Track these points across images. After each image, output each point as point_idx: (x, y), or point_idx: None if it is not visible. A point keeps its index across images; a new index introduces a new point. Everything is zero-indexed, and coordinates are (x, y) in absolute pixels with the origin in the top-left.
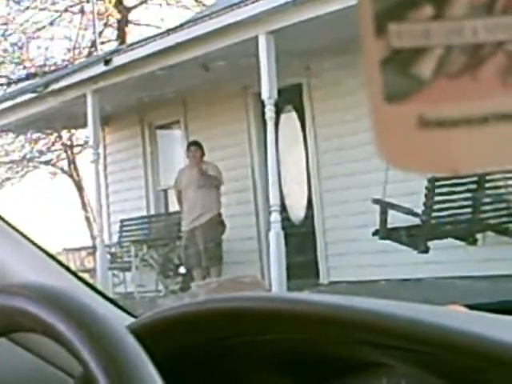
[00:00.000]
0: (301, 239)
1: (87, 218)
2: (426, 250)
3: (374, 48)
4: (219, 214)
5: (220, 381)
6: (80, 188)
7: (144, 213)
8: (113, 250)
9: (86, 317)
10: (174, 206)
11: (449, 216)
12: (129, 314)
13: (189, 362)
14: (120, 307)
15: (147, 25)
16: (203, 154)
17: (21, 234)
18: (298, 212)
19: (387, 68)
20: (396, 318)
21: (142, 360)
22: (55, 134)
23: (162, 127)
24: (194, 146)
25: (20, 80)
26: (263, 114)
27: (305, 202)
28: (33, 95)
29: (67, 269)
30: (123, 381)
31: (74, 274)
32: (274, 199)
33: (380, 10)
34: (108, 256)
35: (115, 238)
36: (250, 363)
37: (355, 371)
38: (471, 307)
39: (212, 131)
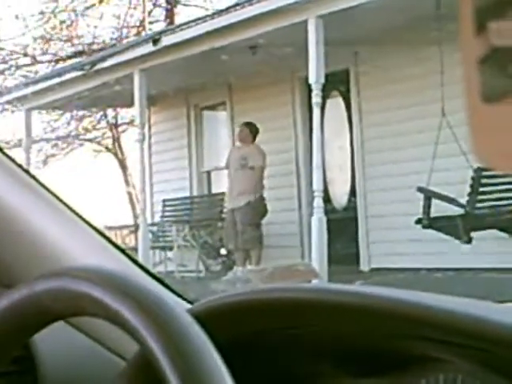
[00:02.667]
0: (343, 225)
1: (130, 197)
2: (469, 241)
3: (473, 46)
4: (261, 197)
5: (275, 371)
6: (124, 167)
7: (187, 193)
8: (154, 229)
9: (151, 304)
10: (216, 188)
11: (493, 207)
12: (181, 297)
13: (247, 351)
14: (173, 291)
15: (196, 6)
16: (255, 135)
17: (77, 215)
18: (340, 198)
19: (486, 67)
20: (456, 315)
21: (208, 349)
22: (101, 113)
23: (207, 108)
24: (245, 127)
25: (68, 57)
26: (310, 98)
27: (348, 188)
28: (80, 73)
29: (123, 251)
30: (191, 370)
31: (129, 256)
32: (317, 184)
33: (480, 7)
34: (150, 235)
35: (157, 218)
36: (306, 355)
37: (410, 365)
38: None
39: (258, 114)
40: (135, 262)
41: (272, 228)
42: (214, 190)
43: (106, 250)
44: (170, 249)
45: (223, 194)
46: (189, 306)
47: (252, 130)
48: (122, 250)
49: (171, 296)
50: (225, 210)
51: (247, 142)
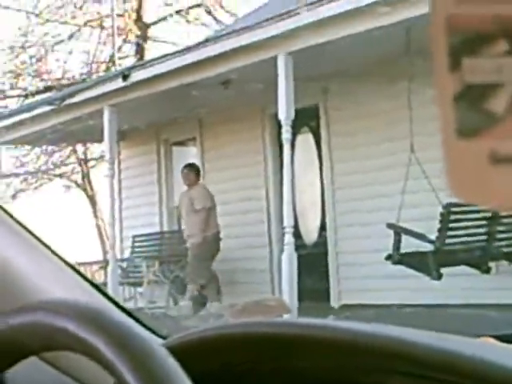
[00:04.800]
0: (313, 261)
1: (99, 232)
2: (439, 277)
3: (447, 83)
4: (212, 236)
5: None
6: (93, 202)
7: (157, 229)
8: (124, 264)
9: (127, 338)
10: None
11: (463, 243)
12: (154, 332)
13: None
14: (145, 326)
15: (166, 42)
16: (198, 176)
17: (49, 249)
18: (311, 234)
19: (460, 103)
20: (433, 349)
21: (183, 382)
22: (70, 148)
23: (177, 144)
24: (187, 169)
25: (37, 92)
26: (279, 134)
27: (318, 223)
28: (49, 108)
29: (95, 286)
30: None
31: (102, 291)
32: (287, 220)
33: (454, 44)
34: (119, 271)
35: (127, 253)
36: None
37: None
38: (501, 339)
39: (228, 149)
40: (107, 296)
41: (242, 264)
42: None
43: (78, 284)
44: (140, 284)
45: None
46: (161, 340)
47: (194, 170)
48: (94, 285)
49: (144, 330)
50: None
51: (192, 183)
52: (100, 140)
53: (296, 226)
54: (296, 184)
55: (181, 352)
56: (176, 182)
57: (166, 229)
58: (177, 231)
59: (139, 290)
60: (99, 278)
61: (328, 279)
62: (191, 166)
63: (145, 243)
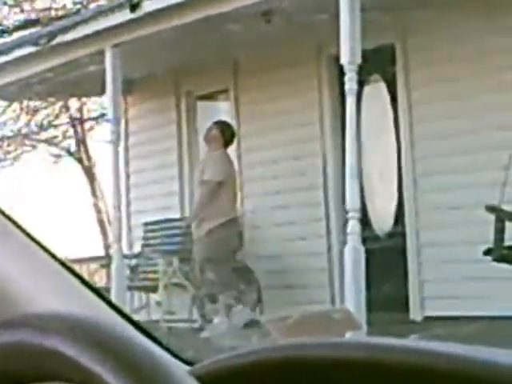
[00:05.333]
0: (387, 258)
1: (100, 219)
2: None
3: None
4: (226, 223)
5: None
6: (91, 177)
7: (177, 214)
8: (133, 262)
9: (143, 365)
10: None
11: None
12: (176, 356)
13: None
14: (165, 347)
15: None
16: (227, 140)
17: (37, 243)
18: (383, 221)
19: None
20: None
21: None
22: (60, 104)
23: (204, 98)
24: (214, 127)
25: (17, 28)
26: (342, 84)
27: (393, 206)
28: (33, 49)
29: (98, 293)
30: None
31: (107, 300)
32: (352, 202)
33: None
34: (127, 271)
35: (137, 247)
36: None
37: None
38: None
39: (270, 105)
40: (114, 306)
41: (290, 262)
42: None
43: (75, 290)
44: (155, 290)
45: None
46: (186, 367)
47: (224, 132)
48: (97, 292)
49: (165, 354)
50: None
51: (214, 147)
52: (100, 93)
53: (363, 210)
54: (363, 152)
55: (211, 381)
56: (203, 150)
57: (188, 213)
58: None
59: (153, 296)
60: (99, 281)
61: (407, 282)
62: (218, 125)
63: (161, 233)
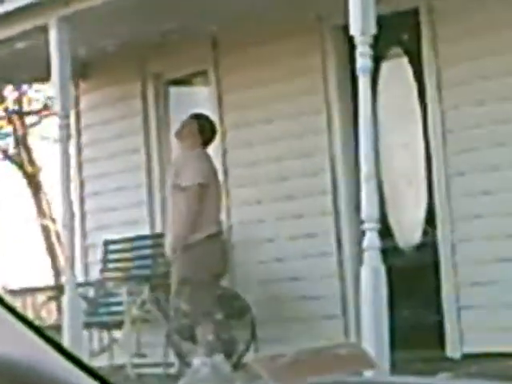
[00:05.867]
0: (414, 278)
1: (48, 239)
2: None
3: None
4: (207, 239)
5: None
6: (36, 187)
7: (146, 229)
8: (91, 293)
9: None
10: None
11: None
12: None
13: None
14: None
15: None
16: (207, 137)
17: None
18: (409, 230)
19: None
20: None
21: None
22: None
23: (178, 82)
24: (186, 123)
25: None
26: (352, 61)
27: (422, 214)
28: None
29: (40, 333)
30: None
31: (52, 341)
32: (369, 209)
33: None
34: (83, 304)
35: (95, 273)
36: None
37: None
38: None
39: (261, 90)
40: (62, 350)
41: (289, 285)
42: None
43: (12, 330)
44: (119, 326)
45: None
46: None
47: (203, 127)
48: (39, 331)
49: None
50: None
51: (191, 146)
52: (44, 78)
53: (383, 220)
54: (381, 147)
55: None
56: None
57: (160, 228)
58: None
59: (117, 335)
60: (48, 316)
61: (441, 309)
62: (195, 119)
63: (126, 254)
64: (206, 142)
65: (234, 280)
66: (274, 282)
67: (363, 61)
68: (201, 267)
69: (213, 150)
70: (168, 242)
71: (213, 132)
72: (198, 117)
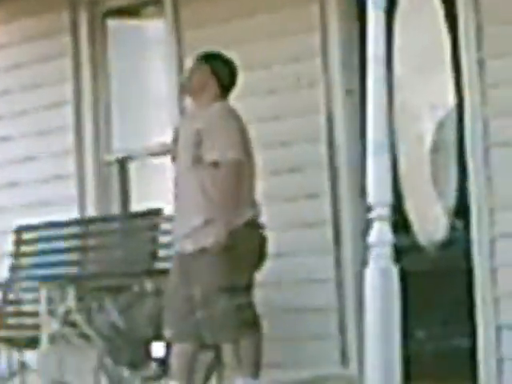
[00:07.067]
0: (437, 285)
1: None
2: None
3: None
4: (247, 225)
5: None
6: None
7: (74, 213)
8: None
9: None
10: (143, 199)
11: None
12: None
13: None
14: None
15: None
16: (226, 85)
17: None
18: (432, 223)
19: None
20: None
21: None
22: None
23: (119, 14)
24: (202, 63)
25: None
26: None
27: (450, 198)
28: None
29: None
30: None
31: None
32: (378, 192)
33: None
34: None
35: (3, 270)
36: None
37: None
38: None
39: (237, 26)
40: None
41: (273, 292)
42: (137, 205)
43: None
44: (34, 343)
45: (158, 212)
46: None
47: (218, 70)
48: None
49: None
50: (163, 252)
51: (207, 100)
52: None
53: (397, 207)
54: (396, 104)
55: None
56: (116, 102)
57: (92, 211)
58: (120, 216)
59: (28, 356)
60: None
61: (473, 327)
62: (202, 61)
63: (45, 246)
64: (226, 91)
65: None
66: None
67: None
68: (239, 266)
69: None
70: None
71: (233, 75)
72: (209, 57)
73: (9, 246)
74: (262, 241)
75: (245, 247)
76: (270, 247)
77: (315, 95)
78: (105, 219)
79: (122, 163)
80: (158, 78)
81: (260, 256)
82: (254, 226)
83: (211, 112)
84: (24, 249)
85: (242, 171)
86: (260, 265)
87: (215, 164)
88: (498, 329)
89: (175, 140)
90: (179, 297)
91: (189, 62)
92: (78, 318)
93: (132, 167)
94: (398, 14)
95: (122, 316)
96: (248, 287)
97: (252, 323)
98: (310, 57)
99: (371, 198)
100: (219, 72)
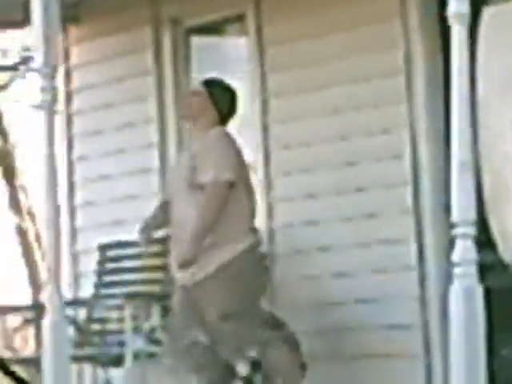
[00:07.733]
0: None
1: (25, 245)
2: None
3: None
4: (245, 253)
5: None
6: (9, 172)
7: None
8: (82, 315)
9: None
10: None
11: None
12: None
13: None
14: None
15: None
16: (222, 112)
17: None
18: None
19: None
20: None
21: None
22: None
23: (203, 31)
24: (197, 95)
25: None
26: (442, 4)
27: None
28: None
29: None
30: None
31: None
32: (462, 207)
33: None
34: (71, 329)
35: (88, 288)
36: None
37: None
38: None
39: (318, 43)
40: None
41: (355, 310)
42: None
43: None
44: (119, 362)
45: None
46: None
47: (217, 96)
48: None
49: None
50: None
51: (204, 126)
52: (21, 23)
53: (481, 222)
54: (480, 121)
55: None
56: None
57: None
58: None
59: (114, 373)
60: (24, 346)
61: None
62: (212, 85)
63: (129, 264)
64: (225, 119)
65: (275, 303)
66: (331, 306)
67: (458, 4)
68: (241, 290)
69: (249, 125)
70: (174, 258)
71: (232, 103)
72: (209, 84)
73: (92, 264)
74: (264, 270)
75: (244, 276)
76: (353, 262)
77: (398, 112)
78: None
79: None
80: (240, 95)
81: (263, 286)
82: (254, 254)
83: (207, 137)
84: (108, 266)
85: (225, 192)
86: (259, 292)
87: (201, 187)
88: None
89: (172, 170)
90: (185, 328)
91: (272, 81)
92: (162, 335)
93: None
94: (480, 28)
95: (207, 334)
96: (253, 312)
97: (266, 340)
98: (394, 75)
99: (455, 217)
100: (218, 99)
